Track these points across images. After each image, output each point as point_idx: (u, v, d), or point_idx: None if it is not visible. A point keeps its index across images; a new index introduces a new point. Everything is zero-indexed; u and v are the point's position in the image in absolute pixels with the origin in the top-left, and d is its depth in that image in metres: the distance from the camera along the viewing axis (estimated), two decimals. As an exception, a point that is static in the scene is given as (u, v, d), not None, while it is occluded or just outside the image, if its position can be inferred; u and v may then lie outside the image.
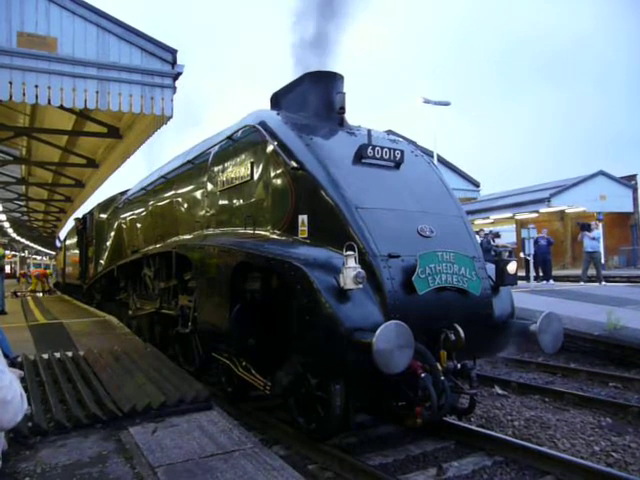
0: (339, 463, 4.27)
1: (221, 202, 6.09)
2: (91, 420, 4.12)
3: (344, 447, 4.62)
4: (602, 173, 27.39)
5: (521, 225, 25.67)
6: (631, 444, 4.88)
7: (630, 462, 4.51)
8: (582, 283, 15.62)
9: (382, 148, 5.11)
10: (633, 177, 28.22)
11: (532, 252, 15.28)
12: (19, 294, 20.88)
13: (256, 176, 5.37)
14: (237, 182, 5.69)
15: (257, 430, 5.07)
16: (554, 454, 4.40)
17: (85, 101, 6.83)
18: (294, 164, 4.76)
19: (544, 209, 25.98)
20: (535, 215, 26.83)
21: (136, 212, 9.91)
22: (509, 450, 4.53)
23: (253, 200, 5.40)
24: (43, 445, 3.68)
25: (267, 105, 6.26)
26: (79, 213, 18.81)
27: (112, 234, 11.81)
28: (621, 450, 4.75)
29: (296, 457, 4.51)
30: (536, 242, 16.27)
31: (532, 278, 15.36)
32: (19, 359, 5.83)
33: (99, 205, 13.86)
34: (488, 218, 29.47)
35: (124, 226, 10.76)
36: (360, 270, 3.81)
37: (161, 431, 3.97)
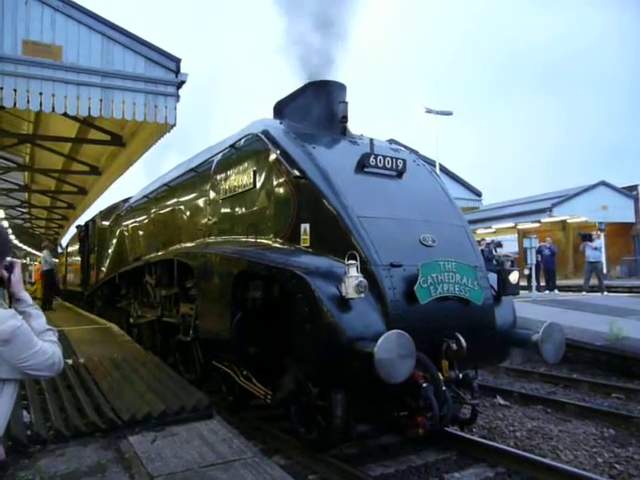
0: (340, 473, 4.24)
1: (223, 210, 6.09)
2: (90, 429, 4.10)
3: (345, 457, 4.59)
4: (604, 183, 27.38)
5: (523, 235, 25.64)
6: (634, 456, 4.84)
7: (634, 474, 4.48)
8: (584, 293, 15.59)
9: (384, 157, 5.12)
10: (634, 187, 28.20)
11: (534, 262, 15.25)
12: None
13: (258, 184, 5.38)
14: (239, 190, 5.69)
15: (257, 439, 5.05)
16: (557, 466, 4.37)
17: (89, 109, 6.85)
18: (296, 173, 4.76)
19: (546, 219, 25.96)
20: (537, 225, 26.80)
21: (138, 220, 9.92)
22: (511, 461, 4.50)
23: (255, 208, 5.41)
24: (42, 454, 3.67)
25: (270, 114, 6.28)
26: (81, 220, 18.84)
27: (114, 241, 11.81)
28: (624, 462, 4.72)
29: (297, 467, 4.48)
30: (540, 251, 16.25)
31: (534, 288, 15.31)
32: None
33: (101, 212, 13.89)
34: (490, 227, 29.44)
35: (126, 233, 10.77)
36: (362, 279, 3.80)
37: (161, 440, 3.95)
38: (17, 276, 2.18)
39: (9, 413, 2.07)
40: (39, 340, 2.06)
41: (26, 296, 2.21)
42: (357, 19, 5.86)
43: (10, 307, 2.10)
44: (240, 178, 5.71)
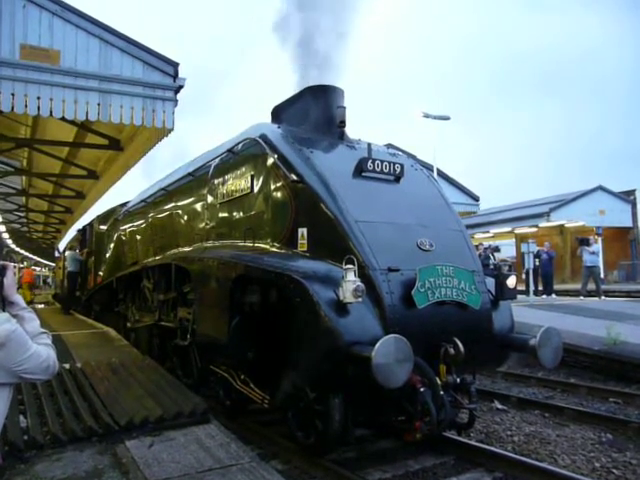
0: (338, 478, 4.23)
1: (221, 214, 6.10)
2: (87, 433, 4.09)
3: (343, 462, 4.58)
4: (601, 188, 27.41)
5: (521, 239, 25.67)
6: (632, 460, 4.84)
7: (631, 479, 4.47)
8: (581, 297, 15.60)
9: (382, 162, 5.12)
10: (632, 192, 28.23)
11: (532, 267, 15.26)
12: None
13: (256, 189, 5.38)
14: (237, 195, 5.70)
15: (255, 444, 5.03)
16: (555, 470, 4.37)
17: (87, 113, 6.85)
18: (294, 177, 4.77)
19: (543, 223, 25.99)
20: (535, 229, 26.84)
21: (136, 224, 9.92)
22: (509, 466, 4.49)
23: (253, 213, 5.41)
24: (39, 459, 3.65)
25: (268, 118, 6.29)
26: (79, 224, 18.81)
27: (111, 246, 11.80)
28: (622, 467, 4.72)
29: (294, 472, 4.48)
30: (538, 256, 16.26)
31: (531, 292, 15.31)
32: None
33: (99, 217, 13.87)
34: (488, 232, 29.46)
35: (124, 238, 10.76)
36: (360, 284, 3.80)
37: (158, 445, 3.94)
38: (10, 279, 2.17)
39: (3, 417, 2.07)
40: (33, 344, 2.05)
41: (19, 299, 2.20)
42: (357, 24, 5.90)
43: (4, 311, 2.10)
44: (238, 182, 5.71)
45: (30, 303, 22.18)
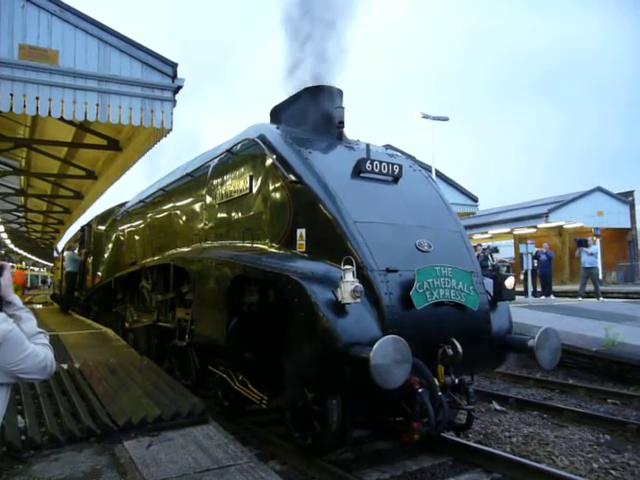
0: (336, 479, 4.23)
1: (220, 215, 6.09)
2: (85, 434, 4.09)
3: (341, 462, 4.58)
4: (600, 189, 27.45)
5: (519, 240, 25.68)
6: (630, 462, 4.85)
7: (629, 480, 4.48)
8: (580, 299, 15.62)
9: (380, 162, 5.12)
10: (630, 193, 28.29)
11: (530, 268, 15.26)
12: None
13: (255, 189, 5.38)
14: (236, 195, 5.70)
15: (253, 445, 5.03)
16: (553, 471, 4.36)
17: (85, 113, 6.86)
18: (293, 178, 4.77)
19: (542, 224, 26.01)
20: (533, 230, 26.86)
21: (134, 224, 9.91)
22: (507, 467, 4.49)
23: (252, 213, 5.41)
24: (36, 459, 3.65)
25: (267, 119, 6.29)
26: (77, 225, 18.80)
27: (110, 246, 11.79)
28: (620, 468, 4.72)
29: (292, 472, 4.47)
30: (536, 257, 16.27)
31: (530, 293, 15.32)
32: None
33: (97, 217, 13.86)
34: (486, 233, 29.48)
35: (122, 238, 10.75)
36: (358, 284, 3.80)
37: (156, 445, 3.94)
38: (7, 279, 2.18)
39: (1, 418, 2.06)
40: (30, 343, 2.05)
41: (16, 299, 2.20)
42: (358, 24, 5.89)
43: (1, 311, 2.09)
44: (236, 183, 5.71)
45: (27, 304, 22.11)
